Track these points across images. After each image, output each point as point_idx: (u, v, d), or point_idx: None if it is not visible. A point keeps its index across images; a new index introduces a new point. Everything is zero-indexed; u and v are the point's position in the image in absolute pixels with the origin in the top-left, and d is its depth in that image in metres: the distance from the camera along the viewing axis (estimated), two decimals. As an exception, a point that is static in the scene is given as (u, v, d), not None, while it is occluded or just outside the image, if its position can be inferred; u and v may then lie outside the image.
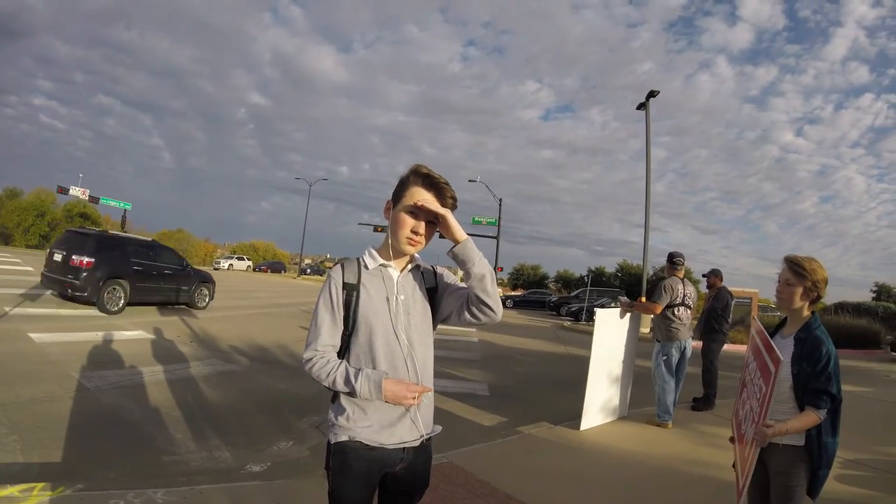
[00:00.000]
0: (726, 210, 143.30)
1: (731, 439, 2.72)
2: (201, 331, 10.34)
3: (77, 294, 10.89)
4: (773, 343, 2.31)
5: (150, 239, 14.48)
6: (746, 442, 2.41)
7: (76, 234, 12.18)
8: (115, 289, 11.44)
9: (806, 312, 2.42)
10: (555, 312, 31.02)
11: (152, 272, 12.64)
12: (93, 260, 11.11)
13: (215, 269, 46.46)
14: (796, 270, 2.39)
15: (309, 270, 57.53)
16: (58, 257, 11.37)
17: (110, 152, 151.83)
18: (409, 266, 1.83)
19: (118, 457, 4.02)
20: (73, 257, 11.04)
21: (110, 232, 13.59)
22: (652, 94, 18.86)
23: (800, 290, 2.39)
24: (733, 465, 2.62)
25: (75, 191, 39.76)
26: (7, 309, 9.54)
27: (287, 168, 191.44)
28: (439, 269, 1.95)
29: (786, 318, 2.56)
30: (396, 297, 1.76)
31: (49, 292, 12.09)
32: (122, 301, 11.58)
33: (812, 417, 2.22)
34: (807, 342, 2.30)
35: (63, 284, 11.06)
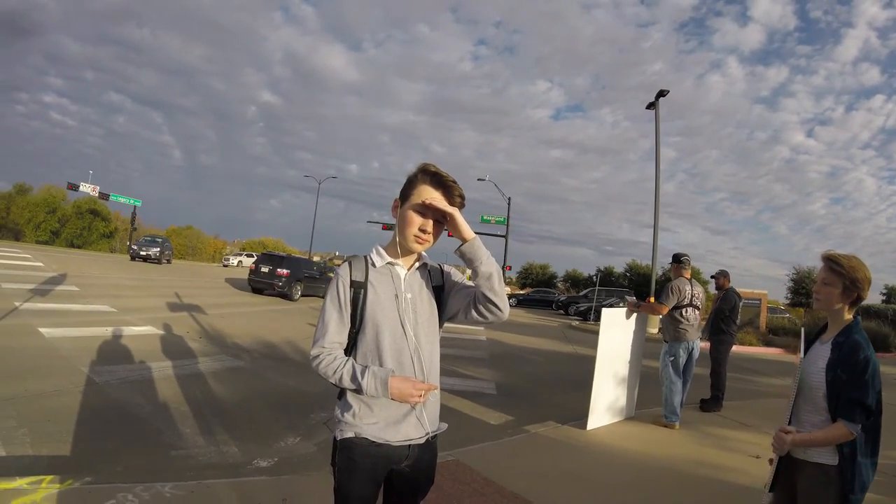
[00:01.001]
0: (736, 211, 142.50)
1: (771, 461, 2.44)
2: (210, 327, 10.40)
3: (280, 290, 18.66)
4: (802, 346, 2.20)
5: (306, 257, 23.51)
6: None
7: (274, 256, 20.39)
8: (298, 287, 19.38)
9: (847, 315, 2.22)
10: (563, 312, 30.98)
11: (311, 277, 20.79)
12: (288, 271, 18.99)
13: (224, 265, 46.58)
14: (833, 268, 2.20)
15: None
16: (265, 269, 19.14)
17: (120, 149, 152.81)
18: (417, 264, 1.84)
19: (126, 451, 4.06)
20: (278, 270, 18.89)
21: (292, 255, 23.39)
22: (661, 94, 18.73)
23: (838, 290, 2.19)
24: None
25: (85, 187, 40.00)
26: (17, 304, 9.63)
27: (297, 166, 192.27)
28: (446, 268, 1.95)
29: (827, 323, 2.35)
30: (404, 296, 1.77)
31: (61, 287, 12.44)
32: (300, 294, 19.54)
33: (842, 431, 2.02)
34: (844, 347, 2.12)
35: (272, 286, 18.74)
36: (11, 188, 45.11)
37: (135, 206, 43.70)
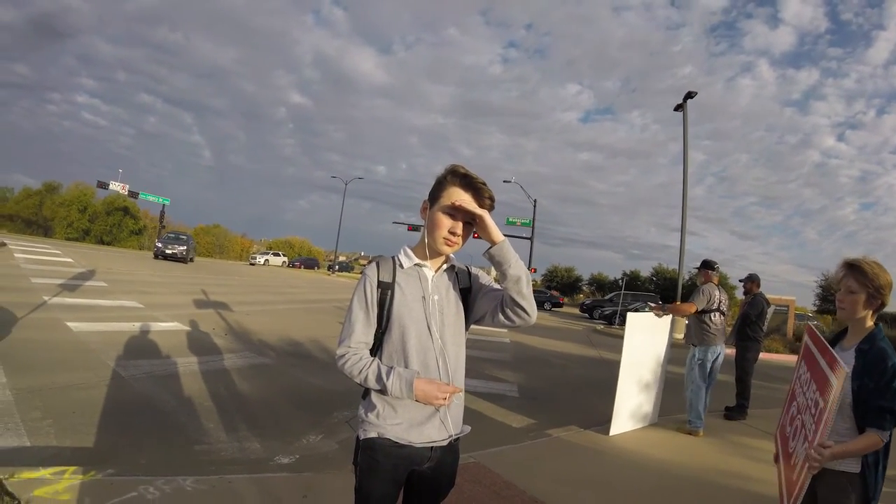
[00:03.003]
0: (765, 215, 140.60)
1: (776, 457, 2.47)
2: (236, 324, 10.51)
3: None
4: (833, 351, 2.12)
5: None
6: (796, 462, 2.19)
7: None
8: None
9: (869, 322, 2.18)
10: (587, 315, 30.81)
11: None
12: None
13: (251, 264, 46.96)
14: (857, 277, 2.15)
15: (337, 267, 56.17)
16: None
17: (151, 149, 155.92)
18: (444, 266, 1.83)
19: (149, 444, 4.11)
20: None
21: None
22: (690, 96, 18.50)
23: (862, 298, 2.15)
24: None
25: (115, 185, 40.82)
26: (46, 298, 9.83)
27: (325, 167, 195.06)
28: (474, 270, 1.94)
29: (845, 329, 2.32)
30: (431, 297, 1.76)
31: (90, 282, 13.00)
32: None
33: (874, 439, 2.00)
34: (869, 354, 2.08)
35: None
36: (41, 186, 46.22)
37: (163, 205, 44.46)
